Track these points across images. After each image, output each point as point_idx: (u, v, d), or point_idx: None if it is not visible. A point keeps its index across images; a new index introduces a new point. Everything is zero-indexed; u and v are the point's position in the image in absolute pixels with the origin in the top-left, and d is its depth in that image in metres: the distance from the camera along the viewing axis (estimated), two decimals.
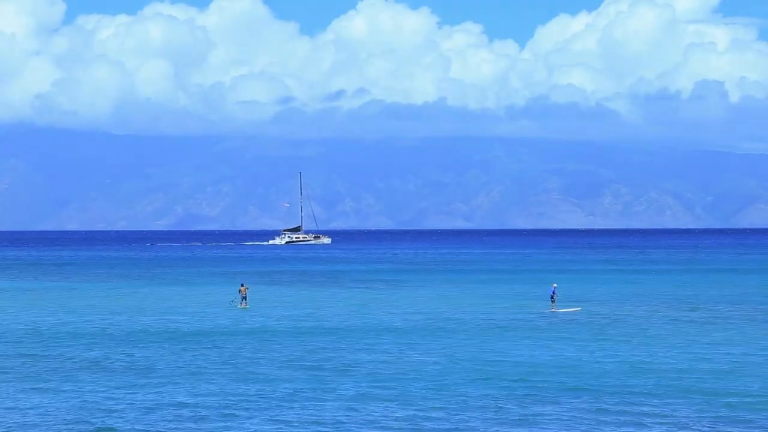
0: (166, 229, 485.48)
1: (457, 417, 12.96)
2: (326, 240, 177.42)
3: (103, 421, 12.76)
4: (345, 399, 14.87)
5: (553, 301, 35.10)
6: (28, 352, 23.56)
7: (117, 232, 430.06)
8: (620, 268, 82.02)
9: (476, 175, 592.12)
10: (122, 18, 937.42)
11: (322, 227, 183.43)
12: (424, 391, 15.72)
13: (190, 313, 36.69)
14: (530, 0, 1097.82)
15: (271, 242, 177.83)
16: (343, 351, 23.29)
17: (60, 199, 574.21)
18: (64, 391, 16.16)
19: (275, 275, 70.57)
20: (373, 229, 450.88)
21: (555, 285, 36.19)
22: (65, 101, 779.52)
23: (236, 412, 13.50)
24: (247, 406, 14.15)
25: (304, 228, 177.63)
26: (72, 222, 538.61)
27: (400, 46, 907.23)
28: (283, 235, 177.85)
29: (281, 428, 12.30)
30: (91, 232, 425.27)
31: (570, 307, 36.11)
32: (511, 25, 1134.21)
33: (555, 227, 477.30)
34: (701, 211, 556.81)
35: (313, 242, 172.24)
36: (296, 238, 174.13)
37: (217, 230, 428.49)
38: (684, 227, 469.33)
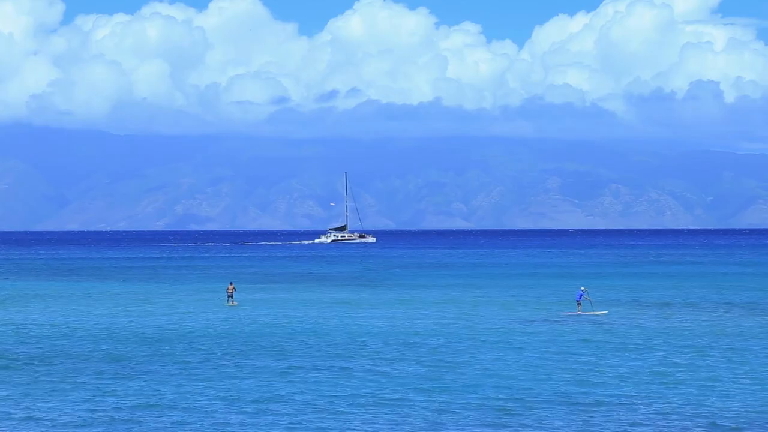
0: (165, 229, 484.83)
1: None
2: (371, 239, 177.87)
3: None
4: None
5: (579, 304, 34.72)
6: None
7: (120, 232, 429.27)
8: (641, 271, 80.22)
9: (476, 175, 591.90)
10: (120, 17, 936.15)
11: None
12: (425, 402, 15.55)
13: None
14: (529, 0, 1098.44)
15: (317, 241, 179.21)
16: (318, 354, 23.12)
17: (60, 199, 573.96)
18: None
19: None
20: (374, 229, 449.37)
21: (583, 288, 35.94)
22: (63, 101, 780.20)
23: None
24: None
25: (349, 227, 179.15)
26: (72, 222, 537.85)
27: (398, 46, 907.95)
28: (328, 234, 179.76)
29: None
30: (92, 232, 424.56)
31: (597, 310, 35.54)
32: (509, 25, 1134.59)
33: (555, 227, 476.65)
34: (701, 211, 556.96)
35: (357, 241, 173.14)
36: (342, 237, 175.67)
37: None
38: (684, 227, 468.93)
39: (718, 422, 12.55)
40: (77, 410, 13.98)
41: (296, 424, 12.59)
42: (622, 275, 68.64)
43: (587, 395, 15.29)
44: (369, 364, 20.56)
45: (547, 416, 13.13)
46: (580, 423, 12.52)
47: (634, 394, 15.52)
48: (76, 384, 17.38)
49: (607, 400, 14.72)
